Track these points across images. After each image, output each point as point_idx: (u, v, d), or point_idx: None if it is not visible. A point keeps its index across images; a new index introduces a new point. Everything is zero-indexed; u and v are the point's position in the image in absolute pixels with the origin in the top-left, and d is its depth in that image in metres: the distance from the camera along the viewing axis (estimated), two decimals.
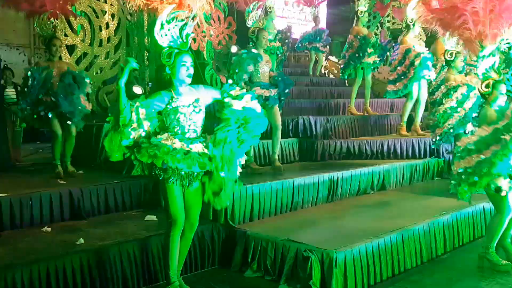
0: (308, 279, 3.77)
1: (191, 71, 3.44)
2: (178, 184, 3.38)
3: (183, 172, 3.36)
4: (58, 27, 5.74)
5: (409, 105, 7.63)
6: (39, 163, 6.15)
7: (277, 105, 5.80)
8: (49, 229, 4.35)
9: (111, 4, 7.30)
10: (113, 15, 7.33)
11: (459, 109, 5.91)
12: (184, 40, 3.44)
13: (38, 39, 11.21)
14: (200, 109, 3.46)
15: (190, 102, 3.42)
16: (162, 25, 3.38)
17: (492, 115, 4.09)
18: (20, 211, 4.46)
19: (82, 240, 3.95)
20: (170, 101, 3.38)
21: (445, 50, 6.19)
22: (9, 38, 10.83)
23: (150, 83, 7.83)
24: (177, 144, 3.33)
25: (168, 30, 3.39)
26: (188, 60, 3.42)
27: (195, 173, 3.41)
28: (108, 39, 7.28)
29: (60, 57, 6.04)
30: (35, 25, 5.73)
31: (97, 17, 7.13)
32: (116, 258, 3.80)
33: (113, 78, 7.40)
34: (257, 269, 4.21)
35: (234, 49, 5.60)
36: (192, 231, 3.60)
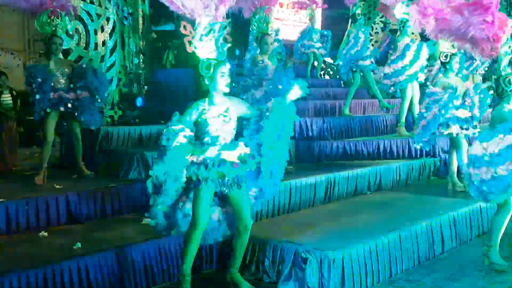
0: (306, 280, 3.78)
1: (229, 80, 3.54)
2: (207, 190, 3.45)
3: (211, 180, 3.43)
4: (59, 26, 5.72)
5: (405, 105, 7.64)
6: (35, 167, 6.13)
7: None
8: (46, 234, 4.33)
9: (106, 8, 7.29)
10: (108, 19, 7.32)
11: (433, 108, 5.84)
12: (221, 51, 3.53)
13: (33, 44, 11.19)
14: (230, 118, 3.56)
15: (220, 112, 3.52)
16: (200, 37, 3.48)
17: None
18: (17, 216, 4.44)
19: (79, 245, 3.94)
20: (201, 113, 3.47)
21: (440, 52, 6.18)
22: (4, 42, 10.78)
23: (146, 86, 7.85)
24: (207, 153, 3.44)
25: (206, 42, 3.49)
26: (225, 70, 3.52)
27: (232, 178, 3.49)
28: (103, 43, 7.28)
29: (61, 56, 6.03)
30: (36, 24, 5.72)
31: (92, 20, 7.12)
32: (114, 262, 3.79)
33: (109, 81, 7.39)
34: (255, 271, 4.20)
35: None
36: (247, 232, 3.69)
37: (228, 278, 3.81)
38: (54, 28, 5.69)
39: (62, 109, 5.55)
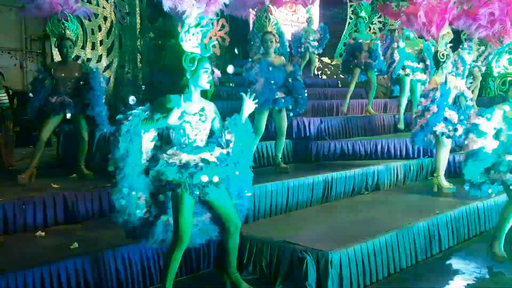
0: (304, 280, 3.77)
1: (211, 77, 3.44)
2: (190, 197, 3.33)
3: (192, 185, 3.30)
4: (68, 28, 5.70)
5: (403, 100, 7.66)
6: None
7: (285, 109, 5.86)
8: (43, 234, 4.32)
9: (103, 7, 7.28)
10: (105, 18, 7.31)
11: (430, 108, 5.80)
12: (206, 46, 3.44)
13: (30, 43, 11.17)
14: (206, 119, 3.46)
15: (196, 110, 3.42)
16: (189, 29, 3.39)
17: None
18: (14, 216, 4.43)
19: (76, 244, 3.94)
20: (176, 107, 3.31)
21: (437, 51, 6.16)
22: (0, 42, 10.76)
23: (143, 86, 7.83)
24: (184, 158, 3.33)
25: (193, 35, 3.40)
26: (209, 66, 3.43)
27: (209, 183, 3.36)
28: (101, 42, 7.26)
29: (72, 58, 5.99)
30: (47, 29, 5.71)
31: (89, 20, 7.11)
32: (111, 262, 3.78)
33: (106, 81, 7.37)
34: (253, 271, 4.20)
35: (230, 69, 5.59)
36: (238, 231, 3.61)
37: (225, 279, 3.75)
38: (63, 31, 5.67)
39: (63, 115, 5.55)
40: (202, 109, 3.45)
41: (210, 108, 3.51)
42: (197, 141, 3.42)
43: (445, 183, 6.02)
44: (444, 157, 6.01)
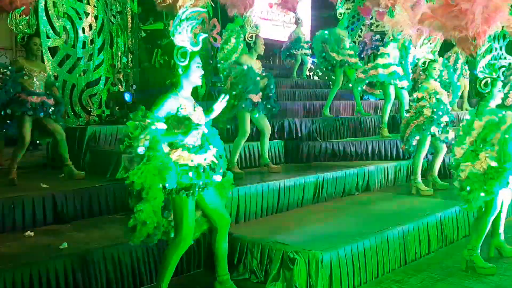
0: (294, 280, 3.78)
1: (202, 72, 3.38)
2: (193, 198, 3.32)
3: (198, 186, 3.30)
4: (33, 24, 5.53)
5: (388, 107, 7.68)
6: (21, 167, 6.08)
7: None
8: (32, 234, 4.28)
9: (94, 6, 7.24)
10: (96, 17, 7.27)
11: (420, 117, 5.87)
12: (196, 40, 3.31)
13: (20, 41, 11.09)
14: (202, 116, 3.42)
15: (193, 108, 3.35)
16: (180, 22, 3.24)
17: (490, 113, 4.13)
18: (2, 215, 4.39)
19: (65, 244, 3.91)
20: (180, 107, 3.24)
21: (418, 59, 6.16)
22: None
23: (134, 85, 7.80)
24: (196, 159, 3.29)
25: (183, 28, 3.26)
26: (200, 61, 3.35)
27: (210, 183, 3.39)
28: (91, 41, 7.22)
29: (42, 58, 5.91)
30: (8, 23, 5.45)
31: (80, 18, 7.07)
32: (101, 262, 3.76)
33: (97, 80, 7.34)
34: (243, 271, 4.20)
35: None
36: (227, 229, 3.63)
37: (217, 285, 3.70)
38: (34, 28, 5.48)
39: (42, 114, 5.36)
40: (196, 105, 3.39)
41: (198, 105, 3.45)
42: (198, 140, 3.36)
43: (423, 187, 6.05)
44: (421, 160, 6.08)
